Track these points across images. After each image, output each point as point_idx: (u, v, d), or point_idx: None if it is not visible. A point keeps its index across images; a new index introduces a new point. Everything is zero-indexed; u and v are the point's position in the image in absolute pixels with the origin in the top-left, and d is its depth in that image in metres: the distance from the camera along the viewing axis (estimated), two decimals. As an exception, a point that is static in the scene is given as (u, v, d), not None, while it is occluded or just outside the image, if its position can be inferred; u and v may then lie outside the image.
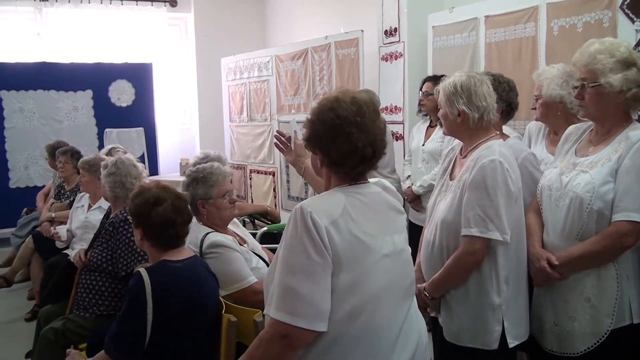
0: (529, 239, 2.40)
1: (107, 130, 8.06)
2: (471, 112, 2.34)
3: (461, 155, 2.48)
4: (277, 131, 2.62)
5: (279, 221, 5.06)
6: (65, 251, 4.46)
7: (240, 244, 2.92)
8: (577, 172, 2.26)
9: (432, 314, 2.49)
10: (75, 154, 5.12)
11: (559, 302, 2.31)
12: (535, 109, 3.05)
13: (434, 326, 2.64)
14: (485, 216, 2.21)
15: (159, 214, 2.40)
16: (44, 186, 6.68)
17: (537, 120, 3.11)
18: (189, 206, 2.61)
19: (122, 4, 8.46)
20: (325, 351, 1.70)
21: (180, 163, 7.94)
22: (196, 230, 2.84)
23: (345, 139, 1.74)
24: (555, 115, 2.94)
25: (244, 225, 4.89)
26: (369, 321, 1.73)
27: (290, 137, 2.50)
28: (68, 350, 2.68)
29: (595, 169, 2.21)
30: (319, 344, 1.69)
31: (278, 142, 2.57)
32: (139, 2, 8.55)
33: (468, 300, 2.32)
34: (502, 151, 2.30)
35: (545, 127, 3.14)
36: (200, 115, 9.05)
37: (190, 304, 2.32)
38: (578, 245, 2.22)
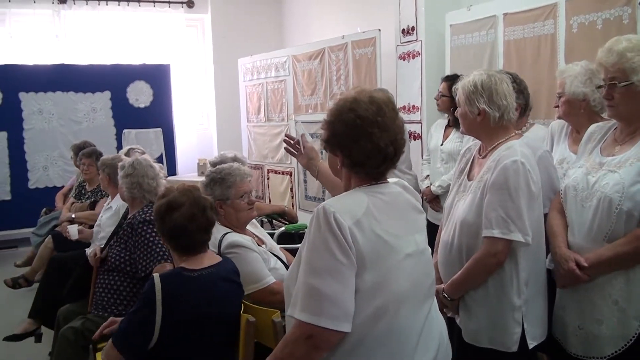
0: (554, 240, 2.37)
1: (125, 131, 8.11)
2: (492, 111, 2.31)
3: (480, 155, 2.45)
4: (286, 135, 2.58)
5: (297, 221, 5.04)
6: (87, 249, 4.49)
7: (259, 245, 2.92)
8: (605, 172, 2.22)
9: (450, 315, 2.47)
10: (99, 156, 5.16)
11: (585, 305, 2.27)
12: (557, 106, 3.00)
13: (451, 327, 2.62)
14: (507, 217, 2.19)
15: (172, 221, 2.39)
16: (62, 186, 6.75)
17: (559, 118, 3.07)
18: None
19: (139, 6, 8.51)
20: (351, 352, 1.69)
21: (198, 163, 7.98)
22: (215, 230, 2.84)
23: (367, 139, 1.73)
24: (578, 113, 2.89)
25: (262, 226, 4.89)
26: (393, 321, 1.71)
27: (299, 140, 2.47)
28: None
29: (624, 169, 2.16)
30: (344, 345, 1.68)
31: (288, 147, 2.53)
32: (156, 4, 8.59)
33: (488, 302, 2.30)
34: (524, 151, 2.28)
35: (568, 126, 3.10)
36: (217, 116, 9.08)
37: (200, 315, 2.30)
38: (607, 247, 2.18)
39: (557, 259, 2.33)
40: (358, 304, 1.66)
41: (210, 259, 2.47)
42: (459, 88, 2.41)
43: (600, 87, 2.33)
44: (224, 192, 2.90)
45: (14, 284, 5.36)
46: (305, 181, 6.86)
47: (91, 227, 4.64)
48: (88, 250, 3.95)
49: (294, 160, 6.87)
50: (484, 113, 2.33)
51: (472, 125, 2.41)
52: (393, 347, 1.73)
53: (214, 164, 3.36)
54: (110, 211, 4.21)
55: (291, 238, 4.45)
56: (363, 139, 1.74)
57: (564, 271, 2.28)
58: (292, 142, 2.50)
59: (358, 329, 1.66)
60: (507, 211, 2.19)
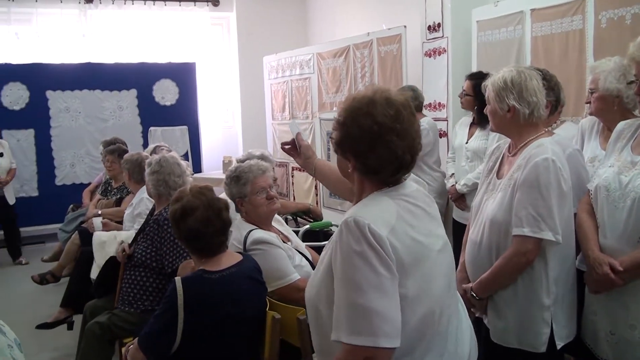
0: (586, 243, 2.31)
1: (151, 128, 8.19)
2: (522, 107, 2.28)
3: (509, 153, 2.42)
4: (282, 143, 2.48)
5: (322, 219, 5.03)
6: None
7: (284, 242, 2.92)
8: (639, 171, 2.17)
9: (478, 315, 2.44)
10: (122, 153, 5.21)
11: (618, 310, 2.22)
12: (589, 103, 2.94)
13: (478, 327, 2.59)
14: (537, 216, 2.15)
15: (186, 226, 2.39)
16: (89, 183, 6.83)
17: (591, 114, 3.00)
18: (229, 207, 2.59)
19: (165, 5, 8.58)
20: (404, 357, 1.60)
21: (223, 161, 8.01)
22: (240, 227, 2.87)
23: (384, 147, 1.62)
24: (611, 110, 2.82)
25: (286, 223, 4.89)
26: (439, 322, 1.66)
27: (294, 140, 2.40)
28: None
29: None
30: (399, 353, 1.57)
31: (287, 148, 2.45)
32: (181, 2, 8.66)
33: (517, 301, 2.27)
34: (555, 149, 2.24)
35: (599, 123, 3.02)
36: (242, 114, 9.12)
37: (223, 317, 2.31)
38: None
39: (591, 263, 2.26)
40: (404, 312, 1.56)
41: (230, 258, 2.47)
42: (489, 85, 2.38)
43: (631, 82, 2.28)
44: (240, 189, 2.93)
45: (42, 279, 5.41)
46: (329, 179, 6.83)
47: (117, 222, 4.70)
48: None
49: (319, 157, 6.89)
50: (514, 110, 2.29)
51: (501, 122, 2.37)
52: (440, 348, 1.67)
53: (240, 162, 3.36)
54: (131, 208, 4.24)
55: (316, 236, 4.45)
56: (380, 147, 1.63)
57: (598, 276, 2.22)
58: (288, 146, 2.43)
59: (407, 338, 1.57)
60: (538, 209, 2.16)
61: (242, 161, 3.25)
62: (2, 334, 1.01)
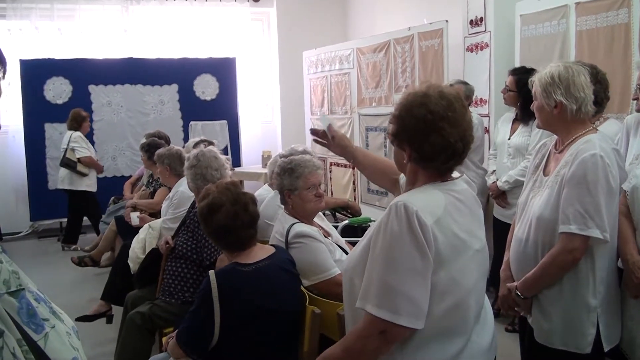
0: (625, 247, 2.27)
1: (192, 123, 8.28)
2: (569, 103, 2.24)
3: (556, 150, 2.38)
4: (311, 129, 2.53)
5: (360, 214, 5.03)
6: None
7: (325, 237, 2.92)
8: None
9: (522, 314, 2.40)
10: (152, 149, 5.28)
11: None
12: (637, 99, 2.86)
13: (521, 327, 2.55)
14: (585, 213, 2.11)
15: (215, 223, 2.41)
16: (130, 176, 6.94)
17: (638, 111, 2.92)
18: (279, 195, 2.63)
19: (206, 1, 8.66)
20: (422, 345, 1.70)
21: (262, 155, 8.05)
22: (283, 220, 2.87)
23: (437, 134, 1.71)
24: (660, 107, 2.75)
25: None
26: (464, 315, 1.74)
27: (324, 131, 2.41)
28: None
29: None
30: (417, 339, 1.69)
31: (316, 138, 2.45)
32: (222, -2, 8.73)
33: (562, 301, 2.23)
34: (603, 145, 2.20)
35: (645, 120, 2.95)
36: (282, 108, 9.16)
37: (258, 310, 2.32)
38: None
39: (630, 267, 2.23)
40: (432, 300, 1.66)
41: (262, 251, 2.49)
42: (536, 80, 2.34)
43: None
44: (292, 182, 2.91)
45: (80, 261, 5.62)
46: (368, 174, 6.81)
47: (150, 214, 4.85)
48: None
49: (358, 153, 6.88)
50: (561, 106, 2.25)
51: (548, 118, 2.33)
52: (464, 339, 1.74)
53: (283, 156, 3.37)
54: (168, 200, 4.29)
55: (354, 231, 4.44)
56: (433, 134, 1.71)
57: (638, 280, 2.19)
58: (319, 135, 2.43)
59: (432, 324, 1.67)
60: (585, 206, 2.12)
61: (286, 156, 3.25)
62: (61, 321, 1.03)
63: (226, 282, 2.30)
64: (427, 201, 1.70)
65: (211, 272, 2.34)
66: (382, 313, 1.63)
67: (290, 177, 2.91)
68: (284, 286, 2.44)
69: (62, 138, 7.61)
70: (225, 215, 2.40)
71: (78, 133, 6.96)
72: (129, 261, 4.02)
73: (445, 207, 1.71)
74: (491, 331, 1.86)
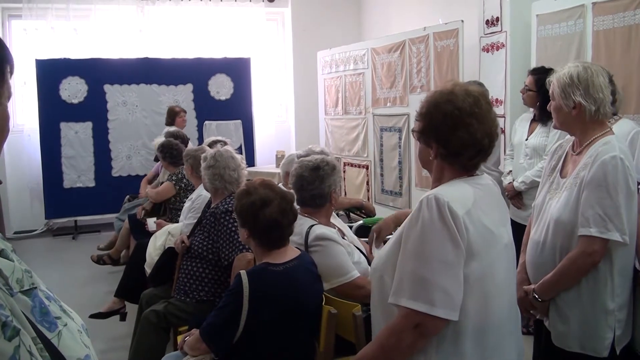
0: None
1: (206, 122, 8.30)
2: (588, 104, 2.22)
3: (573, 152, 2.35)
4: None
5: (374, 215, 5.01)
6: None
7: (341, 237, 2.91)
8: None
9: (539, 317, 2.38)
10: (165, 149, 5.30)
11: None
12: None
13: (537, 329, 2.53)
14: (605, 215, 2.10)
15: (265, 217, 2.40)
16: (144, 175, 6.97)
17: None
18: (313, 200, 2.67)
19: (220, 1, 8.69)
20: (458, 340, 1.69)
21: (276, 155, 8.06)
22: (301, 222, 2.83)
23: (465, 130, 1.74)
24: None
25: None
26: (497, 310, 1.74)
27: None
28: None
29: None
30: (452, 334, 1.69)
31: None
32: (237, -2, 8.75)
33: (580, 304, 2.21)
34: (622, 148, 2.19)
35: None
36: (296, 108, 9.16)
37: (284, 309, 2.32)
38: None
39: None
40: (466, 292, 1.66)
41: (291, 251, 2.49)
42: (554, 80, 2.33)
43: None
44: (336, 179, 2.92)
45: (98, 259, 5.72)
46: (381, 175, 6.82)
47: (155, 207, 5.03)
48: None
49: (371, 153, 6.90)
50: (580, 106, 2.24)
51: (566, 119, 2.31)
52: (497, 335, 1.75)
53: (301, 157, 3.36)
54: (190, 201, 4.29)
55: (369, 232, 4.42)
56: (461, 130, 1.74)
57: None
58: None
59: (467, 318, 1.67)
60: (605, 209, 2.10)
61: (302, 157, 3.24)
62: (71, 319, 1.03)
63: (258, 282, 2.31)
64: (457, 193, 1.73)
65: (242, 272, 2.34)
66: (417, 305, 1.63)
67: (337, 175, 2.92)
68: (309, 287, 2.46)
69: (77, 137, 7.70)
70: (277, 210, 2.41)
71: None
72: (145, 266, 4.03)
73: (475, 200, 1.73)
74: (520, 339, 1.88)
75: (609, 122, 3.03)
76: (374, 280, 1.87)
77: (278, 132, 9.19)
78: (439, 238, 1.64)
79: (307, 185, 2.84)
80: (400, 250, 1.73)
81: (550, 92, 2.36)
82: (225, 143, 4.63)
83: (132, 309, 4.16)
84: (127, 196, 6.57)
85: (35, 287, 0.97)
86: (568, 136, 2.47)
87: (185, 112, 7.22)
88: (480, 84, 4.67)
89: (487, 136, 1.76)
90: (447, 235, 1.64)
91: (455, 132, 1.74)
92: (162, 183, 5.65)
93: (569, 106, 2.27)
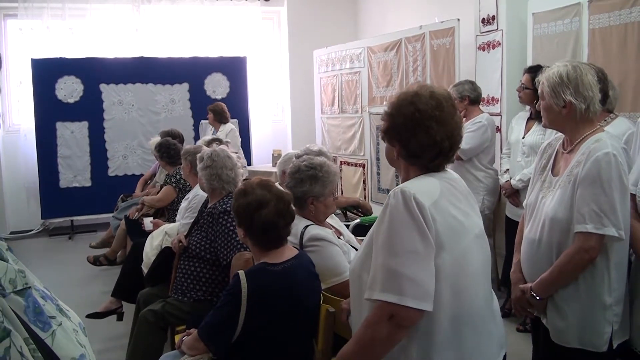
0: None
1: (202, 121, 8.30)
2: (578, 102, 2.24)
3: (564, 150, 2.37)
4: None
5: (371, 213, 5.01)
6: None
7: (338, 237, 2.91)
8: None
9: (536, 314, 2.39)
10: (163, 148, 5.29)
11: None
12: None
13: (534, 327, 2.53)
14: (600, 211, 2.11)
15: (261, 218, 2.40)
16: (141, 175, 6.98)
17: None
18: (294, 202, 2.62)
19: (216, 0, 8.65)
20: (435, 332, 1.72)
21: (273, 154, 8.06)
22: (296, 222, 2.83)
23: (424, 132, 1.79)
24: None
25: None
26: (473, 300, 1.78)
27: None
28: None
29: None
30: (429, 326, 1.72)
31: None
32: (233, -3, 8.74)
33: (578, 300, 2.22)
34: (614, 144, 2.20)
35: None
36: (292, 107, 9.16)
37: (283, 308, 2.33)
38: None
39: None
40: (439, 284, 1.70)
41: (289, 251, 2.49)
42: (543, 80, 2.34)
43: None
44: (321, 189, 2.86)
45: (95, 260, 5.71)
46: (378, 173, 6.82)
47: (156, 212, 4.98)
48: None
49: (367, 152, 6.90)
50: (570, 105, 2.25)
51: (556, 118, 2.33)
52: (473, 325, 1.78)
53: (299, 157, 3.35)
54: (187, 201, 4.29)
55: (366, 230, 4.42)
56: (420, 132, 1.79)
57: None
58: None
59: (441, 308, 1.70)
60: (600, 205, 2.12)
61: (300, 156, 3.23)
62: (67, 318, 1.03)
63: (256, 282, 2.31)
64: (423, 186, 1.78)
65: (241, 272, 2.34)
66: (387, 296, 1.66)
67: (317, 184, 2.85)
68: (308, 287, 2.46)
69: (73, 137, 7.69)
70: (273, 212, 2.41)
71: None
72: (143, 266, 4.02)
73: (442, 191, 1.78)
74: (501, 327, 1.92)
75: (605, 120, 3.05)
76: (353, 281, 1.92)
77: (274, 131, 9.18)
78: (406, 229, 1.68)
79: (291, 187, 2.86)
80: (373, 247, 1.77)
81: (539, 91, 2.38)
82: (221, 142, 4.62)
83: (129, 308, 4.15)
84: (121, 196, 6.58)
85: (29, 287, 0.96)
86: (559, 134, 2.48)
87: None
88: (472, 83, 4.68)
89: (448, 139, 1.80)
90: (414, 226, 1.68)
91: (415, 134, 1.80)
92: (161, 186, 5.65)
93: (559, 105, 2.28)
